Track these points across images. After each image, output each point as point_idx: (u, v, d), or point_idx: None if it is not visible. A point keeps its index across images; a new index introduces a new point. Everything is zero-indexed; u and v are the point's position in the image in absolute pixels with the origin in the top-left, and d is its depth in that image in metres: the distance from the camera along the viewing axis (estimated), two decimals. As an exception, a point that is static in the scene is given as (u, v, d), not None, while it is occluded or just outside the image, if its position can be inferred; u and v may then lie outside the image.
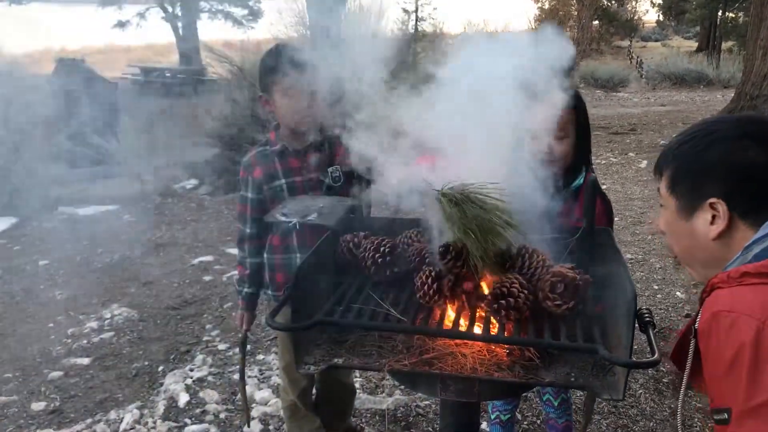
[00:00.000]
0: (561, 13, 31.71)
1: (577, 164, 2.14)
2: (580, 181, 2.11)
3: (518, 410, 3.17)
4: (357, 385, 3.21)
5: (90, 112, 8.55)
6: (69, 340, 4.07)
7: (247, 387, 3.39)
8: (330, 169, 2.33)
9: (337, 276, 1.91)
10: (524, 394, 3.20)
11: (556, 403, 2.57)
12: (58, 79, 9.96)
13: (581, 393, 3.18)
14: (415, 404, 3.23)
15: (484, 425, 2.92)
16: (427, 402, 3.23)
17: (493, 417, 2.69)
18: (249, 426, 3.07)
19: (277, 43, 2.33)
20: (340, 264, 1.93)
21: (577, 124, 2.11)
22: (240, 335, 2.66)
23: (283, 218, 1.92)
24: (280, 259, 2.43)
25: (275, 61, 2.22)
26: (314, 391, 2.83)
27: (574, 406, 3.18)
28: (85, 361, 3.80)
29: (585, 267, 1.75)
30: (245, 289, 2.51)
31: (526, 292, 1.64)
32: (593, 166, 2.27)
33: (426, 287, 1.70)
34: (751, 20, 12.18)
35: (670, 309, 4.24)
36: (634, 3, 36.49)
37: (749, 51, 12.08)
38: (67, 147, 7.93)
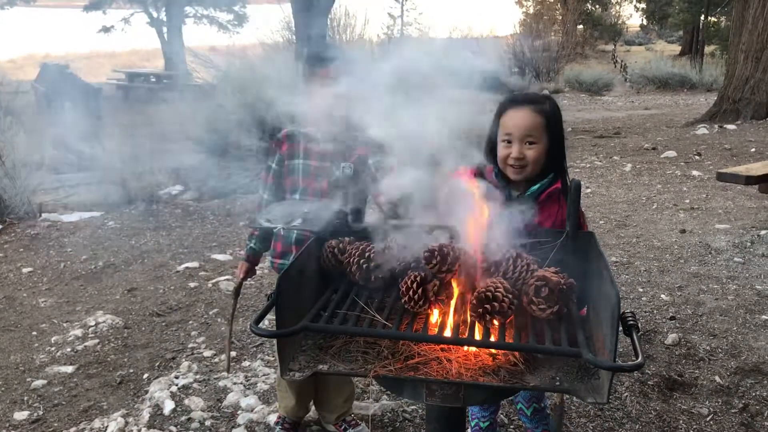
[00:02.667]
0: (545, 17, 31.90)
1: (547, 170, 2.14)
2: (536, 187, 2.12)
3: (504, 414, 3.17)
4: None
5: (73, 117, 8.49)
6: (53, 348, 4.03)
7: (232, 394, 3.38)
8: (343, 164, 2.42)
9: (322, 282, 1.91)
10: (509, 399, 3.20)
11: (528, 413, 2.56)
12: (41, 85, 9.89)
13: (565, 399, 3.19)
14: (401, 409, 3.23)
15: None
16: (413, 407, 3.23)
17: (473, 424, 2.69)
18: (229, 373, 3.38)
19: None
20: (325, 269, 1.93)
21: (548, 131, 2.12)
22: (236, 283, 2.85)
23: (267, 224, 1.92)
24: (283, 230, 2.61)
25: (311, 65, 2.45)
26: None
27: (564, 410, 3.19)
28: (69, 369, 3.76)
29: (569, 271, 1.76)
30: (250, 244, 2.75)
31: (510, 296, 1.64)
32: (571, 170, 2.27)
33: (411, 292, 1.70)
34: (733, 25, 12.34)
35: (654, 312, 4.27)
36: (617, 7, 36.79)
37: (731, 55, 12.24)
38: (50, 153, 7.87)
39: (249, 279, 2.91)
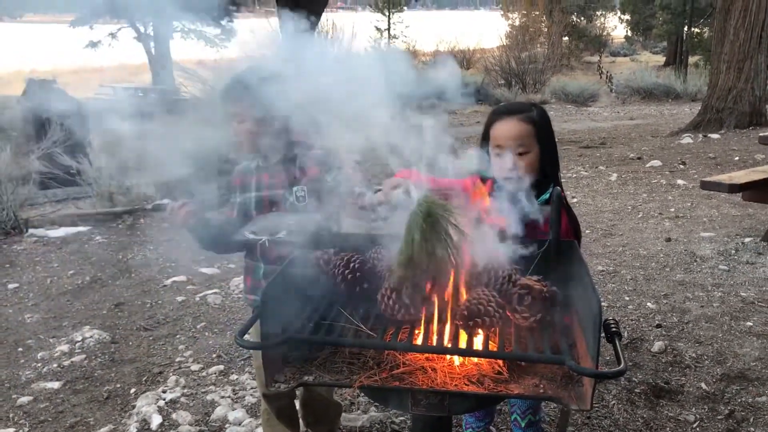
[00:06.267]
0: (531, 29, 32.13)
1: (543, 178, 2.16)
2: (546, 196, 2.13)
3: (493, 424, 3.18)
4: (332, 403, 3.19)
5: (60, 132, 8.45)
6: (39, 364, 4.00)
7: (219, 408, 3.38)
8: (295, 189, 2.41)
9: (307, 293, 1.91)
10: (498, 408, 3.21)
11: (522, 424, 2.55)
12: (28, 100, 9.84)
13: (552, 416, 3.20)
14: (390, 420, 3.23)
15: (459, 440, 2.92)
16: (402, 418, 3.23)
17: (465, 433, 2.69)
18: None
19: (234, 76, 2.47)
20: (310, 280, 1.93)
21: (538, 138, 2.14)
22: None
23: (251, 236, 1.92)
24: (250, 263, 2.56)
25: (225, 92, 2.48)
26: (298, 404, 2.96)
27: (548, 418, 3.20)
28: (56, 385, 3.73)
29: (551, 279, 1.78)
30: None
31: (501, 311, 1.65)
32: (561, 180, 2.29)
33: (386, 299, 1.71)
34: (715, 35, 12.49)
35: (641, 320, 4.29)
36: (602, 19, 37.10)
37: (714, 65, 12.38)
38: (37, 168, 7.82)
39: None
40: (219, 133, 2.57)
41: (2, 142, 7.35)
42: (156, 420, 3.29)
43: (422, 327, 1.72)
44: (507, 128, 2.12)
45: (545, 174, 2.17)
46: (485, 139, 2.20)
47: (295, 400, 2.94)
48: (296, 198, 2.42)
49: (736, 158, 9.36)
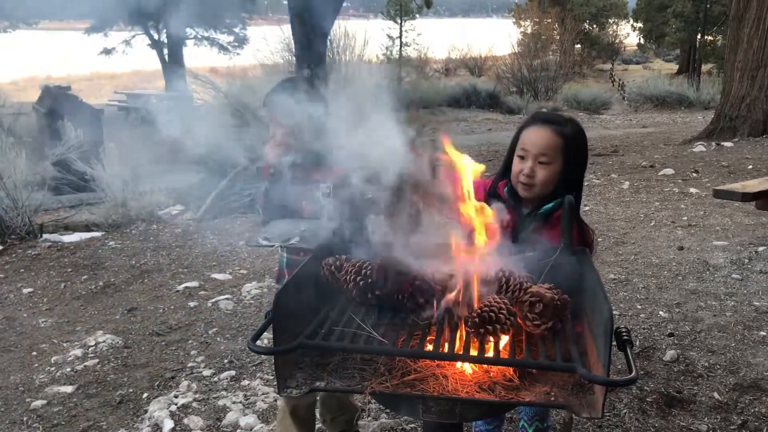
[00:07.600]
0: (543, 37, 32.11)
1: (558, 193, 2.15)
2: (550, 205, 2.13)
3: (503, 430, 3.17)
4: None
5: (75, 138, 8.53)
6: (52, 369, 4.03)
7: (231, 413, 3.39)
8: (321, 185, 2.44)
9: (319, 299, 1.93)
10: (508, 416, 3.20)
11: (530, 431, 2.55)
12: (42, 106, 9.95)
13: (561, 424, 3.19)
14: (400, 428, 3.23)
15: (469, 447, 2.92)
16: (412, 425, 3.23)
17: (475, 439, 2.69)
18: None
19: (284, 79, 2.60)
20: (322, 286, 1.95)
21: (564, 153, 2.13)
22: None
23: (264, 243, 1.94)
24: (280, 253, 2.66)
25: (272, 94, 2.54)
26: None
27: (558, 426, 3.19)
28: (69, 389, 3.76)
29: (563, 287, 1.78)
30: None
31: (512, 318, 1.66)
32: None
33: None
34: (728, 43, 12.44)
35: (653, 328, 4.27)
36: (615, 27, 37.09)
37: (727, 73, 12.33)
38: (51, 174, 7.90)
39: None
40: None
41: (17, 147, 7.41)
42: (168, 425, 3.31)
43: (434, 333, 1.72)
44: (536, 135, 2.13)
45: (559, 189, 2.14)
46: (515, 140, 2.21)
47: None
48: (323, 194, 2.48)
49: (750, 167, 9.31)
